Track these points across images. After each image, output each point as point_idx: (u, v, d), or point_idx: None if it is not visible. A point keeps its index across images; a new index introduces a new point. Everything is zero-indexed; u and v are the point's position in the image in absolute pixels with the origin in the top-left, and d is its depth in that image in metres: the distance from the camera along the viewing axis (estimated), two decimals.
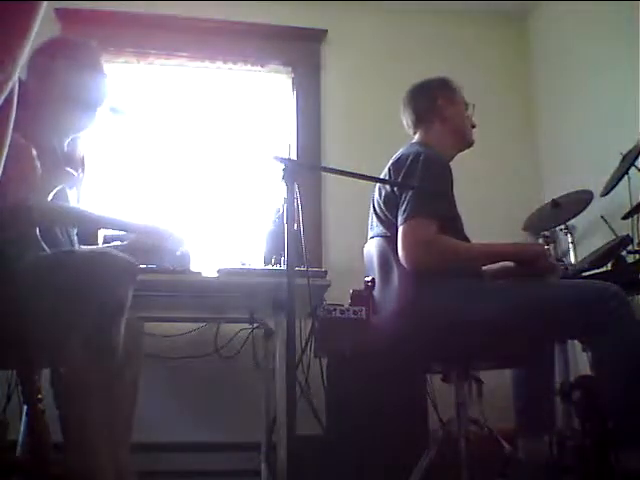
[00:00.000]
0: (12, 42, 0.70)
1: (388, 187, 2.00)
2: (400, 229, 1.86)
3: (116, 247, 1.87)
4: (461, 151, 2.15)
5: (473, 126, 2.19)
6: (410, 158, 1.96)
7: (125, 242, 1.93)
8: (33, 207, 1.56)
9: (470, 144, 2.17)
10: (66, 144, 1.84)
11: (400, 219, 1.88)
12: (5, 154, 0.82)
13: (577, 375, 2.16)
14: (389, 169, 2.01)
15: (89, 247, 1.94)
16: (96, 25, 3.14)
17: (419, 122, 2.18)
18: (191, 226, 3.00)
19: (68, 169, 1.80)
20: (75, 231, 1.87)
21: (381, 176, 2.08)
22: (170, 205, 3.16)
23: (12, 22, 0.70)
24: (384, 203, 2.00)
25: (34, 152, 1.52)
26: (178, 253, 1.97)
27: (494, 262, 2.04)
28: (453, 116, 2.15)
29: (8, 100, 0.77)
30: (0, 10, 0.67)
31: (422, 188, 1.87)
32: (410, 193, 1.88)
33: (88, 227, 1.96)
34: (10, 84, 0.74)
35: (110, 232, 2.06)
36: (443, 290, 1.83)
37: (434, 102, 2.15)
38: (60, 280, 1.49)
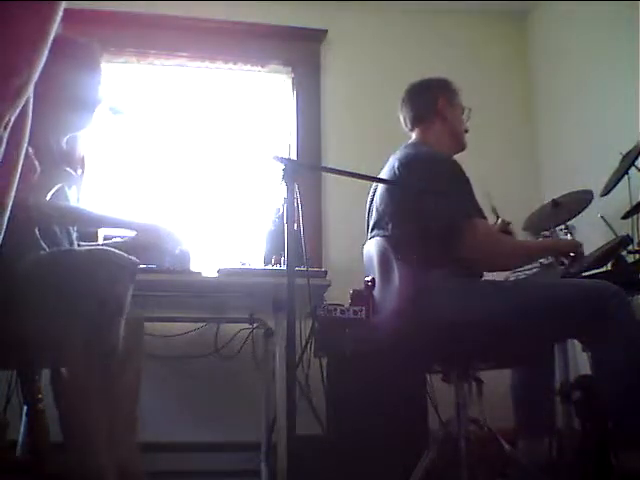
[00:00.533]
0: (26, 45, 0.68)
1: (391, 187, 2.00)
2: (461, 228, 1.86)
3: (115, 243, 1.88)
4: (455, 153, 2.16)
5: (466, 131, 2.21)
6: (429, 160, 1.96)
7: (124, 239, 1.94)
8: (32, 206, 1.56)
9: (463, 148, 2.19)
10: (64, 143, 1.84)
11: (454, 219, 1.87)
12: (22, 159, 0.80)
13: (577, 375, 2.15)
14: (397, 169, 1.99)
15: (88, 244, 1.94)
16: (96, 25, 3.13)
17: (418, 120, 2.17)
18: (191, 226, 3.01)
19: (67, 168, 1.81)
20: (74, 229, 1.87)
21: (382, 176, 2.08)
22: (170, 205, 3.16)
23: (25, 24, 0.67)
24: (392, 203, 1.98)
25: (31, 151, 1.52)
26: (177, 252, 1.98)
27: (540, 257, 2.20)
28: (452, 118, 2.16)
29: (23, 107, 0.74)
30: (11, 12, 0.65)
31: (464, 190, 1.91)
32: (451, 195, 1.88)
33: (88, 226, 1.96)
34: (29, 89, 0.71)
35: (110, 231, 2.06)
36: (443, 290, 1.83)
37: (435, 101, 2.15)
38: (59, 279, 1.49)
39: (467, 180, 1.94)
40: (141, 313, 1.81)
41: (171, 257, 2.09)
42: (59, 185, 1.73)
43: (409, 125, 2.20)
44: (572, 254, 2.07)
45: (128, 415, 1.62)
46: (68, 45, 1.80)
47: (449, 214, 1.86)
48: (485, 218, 1.92)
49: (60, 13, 0.69)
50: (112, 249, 1.60)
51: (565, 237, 2.16)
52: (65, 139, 1.84)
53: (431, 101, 2.16)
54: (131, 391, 1.66)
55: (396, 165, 2.00)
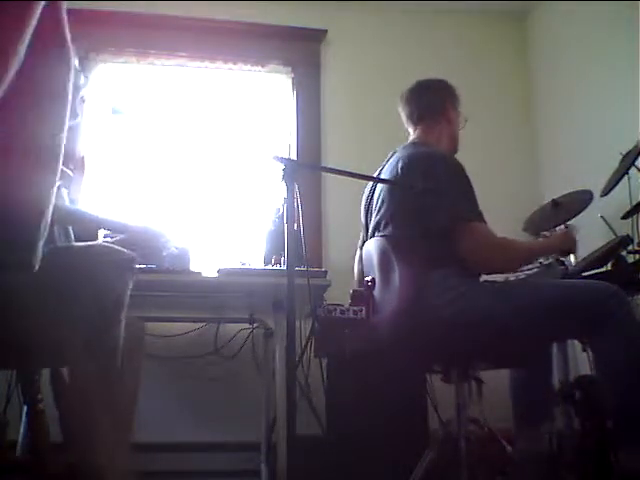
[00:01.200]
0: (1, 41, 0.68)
1: (393, 186, 2.00)
2: (459, 230, 1.86)
3: (106, 242, 1.91)
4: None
5: None
6: (433, 160, 1.96)
7: (116, 237, 1.96)
8: None
9: (455, 152, 2.20)
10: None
11: (452, 221, 1.87)
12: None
13: (577, 375, 2.16)
14: (401, 169, 1.98)
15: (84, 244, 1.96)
16: (96, 25, 3.14)
17: (421, 119, 2.17)
18: (191, 226, 3.01)
19: (64, 168, 1.80)
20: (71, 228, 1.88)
21: (384, 175, 2.08)
22: (170, 205, 3.16)
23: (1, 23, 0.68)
24: (393, 203, 1.98)
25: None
26: (166, 252, 1.99)
27: (539, 257, 2.19)
28: (454, 121, 2.17)
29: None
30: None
31: (465, 191, 1.91)
32: (452, 196, 1.88)
33: (85, 228, 1.97)
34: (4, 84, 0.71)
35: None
36: (443, 290, 1.83)
37: (443, 102, 2.16)
38: (58, 276, 1.49)
39: (469, 182, 1.94)
40: (142, 323, 1.82)
41: (170, 257, 2.10)
42: (56, 185, 1.73)
43: (412, 122, 2.19)
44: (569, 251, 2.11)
45: (127, 417, 1.62)
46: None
47: (448, 216, 1.86)
48: (484, 222, 1.92)
49: (37, 13, 0.70)
50: (111, 245, 1.60)
51: (560, 230, 2.16)
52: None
53: (440, 101, 2.16)
54: (130, 393, 1.66)
55: (400, 165, 1.99)
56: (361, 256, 2.23)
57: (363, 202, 2.21)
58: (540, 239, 2.18)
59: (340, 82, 3.51)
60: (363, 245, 2.25)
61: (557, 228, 2.37)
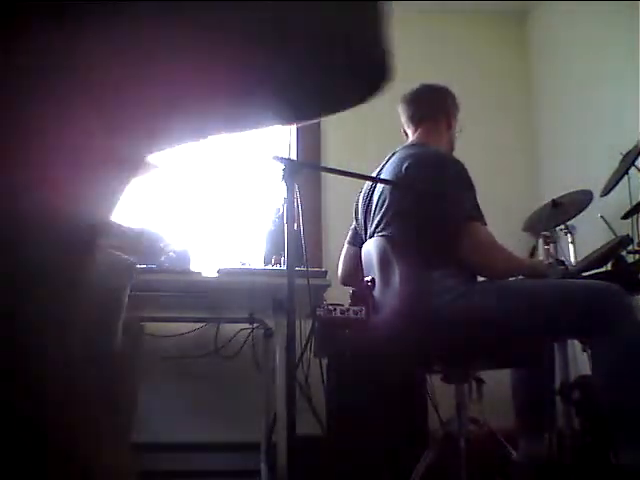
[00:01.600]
0: None
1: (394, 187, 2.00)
2: (462, 229, 1.86)
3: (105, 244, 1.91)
4: None
5: None
6: (438, 160, 1.97)
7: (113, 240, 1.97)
8: None
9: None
10: None
11: (455, 220, 1.88)
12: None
13: (577, 375, 2.16)
14: (405, 169, 1.98)
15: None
16: None
17: (422, 121, 2.17)
18: (191, 226, 3.01)
19: None
20: None
21: (384, 175, 2.08)
22: (170, 205, 3.16)
23: None
24: (395, 203, 1.98)
25: None
26: (162, 257, 2.00)
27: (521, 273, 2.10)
28: (453, 127, 2.19)
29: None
30: None
31: (468, 192, 1.91)
32: (456, 197, 1.88)
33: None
34: None
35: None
36: (443, 290, 1.83)
37: (447, 107, 2.17)
38: None
39: (472, 184, 1.95)
40: (141, 324, 1.82)
41: (168, 260, 2.10)
42: None
43: (414, 122, 2.19)
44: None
45: (126, 418, 1.63)
46: None
47: (450, 216, 1.87)
48: (485, 224, 1.92)
49: None
50: (110, 250, 1.60)
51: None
52: None
53: (442, 105, 2.18)
54: (130, 394, 1.66)
55: (405, 165, 1.99)
56: (352, 254, 2.24)
57: (361, 202, 2.21)
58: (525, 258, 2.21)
59: None
60: (352, 242, 2.26)
61: (557, 228, 2.37)
